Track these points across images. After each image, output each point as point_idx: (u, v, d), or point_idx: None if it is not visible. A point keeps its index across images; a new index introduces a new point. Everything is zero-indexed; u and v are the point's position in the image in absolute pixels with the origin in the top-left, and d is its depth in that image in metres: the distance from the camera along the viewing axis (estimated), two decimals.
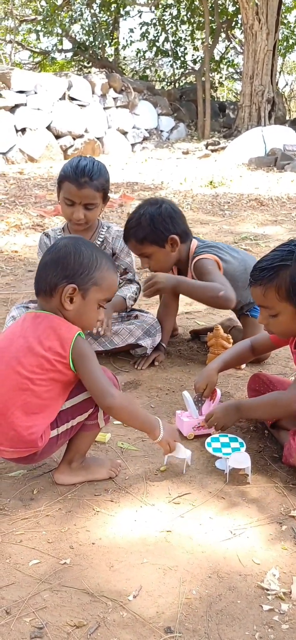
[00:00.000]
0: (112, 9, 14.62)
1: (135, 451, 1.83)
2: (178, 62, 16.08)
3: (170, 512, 1.51)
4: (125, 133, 11.85)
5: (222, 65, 17.09)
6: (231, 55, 17.39)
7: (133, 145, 11.96)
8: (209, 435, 1.85)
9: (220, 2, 14.35)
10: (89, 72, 13.41)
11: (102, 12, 14.92)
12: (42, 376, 1.49)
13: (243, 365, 2.42)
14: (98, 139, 11.08)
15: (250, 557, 1.35)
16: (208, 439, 1.80)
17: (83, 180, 2.31)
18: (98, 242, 2.53)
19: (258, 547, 1.39)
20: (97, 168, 2.36)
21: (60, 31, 14.13)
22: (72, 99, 10.86)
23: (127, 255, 2.59)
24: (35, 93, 10.35)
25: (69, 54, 15.22)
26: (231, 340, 2.39)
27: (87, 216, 2.38)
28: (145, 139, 12.32)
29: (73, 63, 15.41)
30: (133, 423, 1.61)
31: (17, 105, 10.03)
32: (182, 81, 16.06)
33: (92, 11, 14.37)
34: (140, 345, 2.49)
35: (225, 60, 17.17)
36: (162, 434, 1.61)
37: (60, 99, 10.67)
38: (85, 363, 1.51)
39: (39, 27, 13.88)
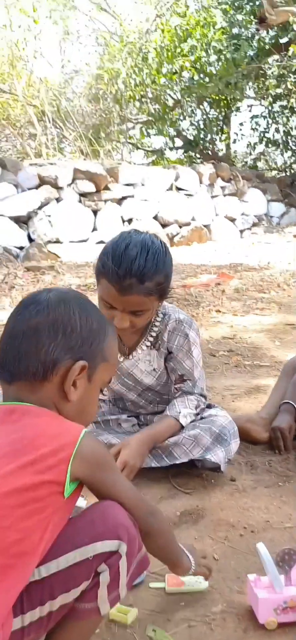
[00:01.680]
0: (222, 106, 14.77)
1: None
2: (289, 151, 15.69)
3: None
4: (233, 220, 11.55)
5: None
6: None
7: (241, 231, 11.59)
8: None
9: None
10: (196, 163, 13.47)
11: (212, 109, 15.14)
12: (17, 513, 0.88)
13: None
14: (205, 226, 10.89)
15: None
16: None
17: (128, 283, 1.67)
18: (152, 338, 1.91)
19: None
20: (152, 261, 1.70)
21: (171, 131, 14.51)
22: (179, 189, 10.83)
23: (186, 356, 1.93)
24: (143, 185, 10.48)
25: (180, 151, 15.53)
26: None
27: (134, 322, 1.77)
28: (254, 225, 11.90)
29: (184, 160, 15.67)
30: (166, 553, 1.19)
31: (124, 197, 10.20)
32: (293, 168, 15.55)
33: (202, 108, 14.61)
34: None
35: None
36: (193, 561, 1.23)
37: (167, 189, 10.69)
38: (107, 471, 1.03)
39: (150, 127, 14.38)
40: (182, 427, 1.92)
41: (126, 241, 1.73)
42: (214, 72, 12.84)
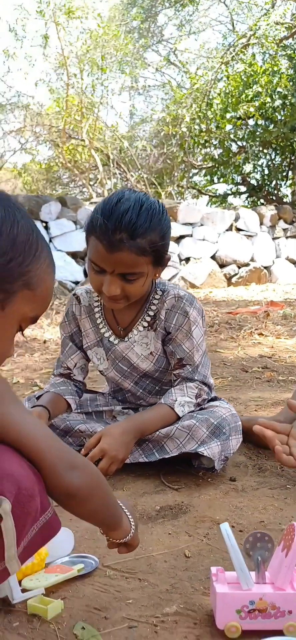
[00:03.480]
0: (287, 151, 14.54)
1: None
2: None
3: None
4: (295, 262, 11.11)
5: None
6: None
7: None
8: (268, 633, 0.81)
9: None
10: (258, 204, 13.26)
11: (277, 155, 14.95)
12: None
13: None
14: (265, 267, 10.54)
15: None
16: None
17: (118, 237, 1.48)
18: (149, 318, 1.69)
19: None
20: (145, 216, 1.51)
21: (235, 177, 14.43)
22: (239, 229, 10.64)
23: (186, 337, 1.67)
24: (201, 225, 10.39)
25: (244, 196, 15.38)
26: None
27: (127, 290, 1.55)
28: None
29: (248, 206, 15.51)
30: (98, 519, 0.93)
31: (182, 236, 10.13)
32: None
33: (267, 153, 14.45)
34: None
35: None
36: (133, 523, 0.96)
37: (226, 230, 10.53)
38: (8, 405, 0.81)
39: (214, 174, 14.38)
40: (179, 417, 1.66)
41: (119, 196, 1.54)
42: (279, 117, 12.71)
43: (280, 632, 0.89)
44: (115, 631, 0.94)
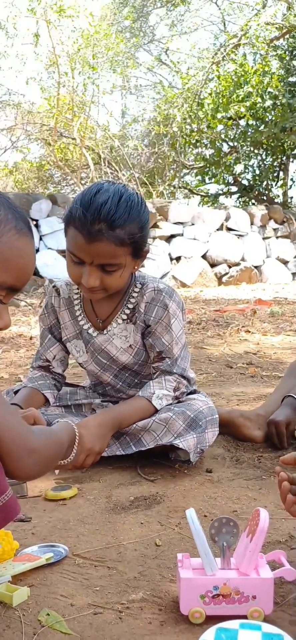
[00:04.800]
0: (278, 152, 14.58)
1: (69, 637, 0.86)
2: None
3: None
4: (285, 262, 11.17)
5: None
6: None
7: (294, 274, 11.16)
8: (232, 618, 0.80)
9: None
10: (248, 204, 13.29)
11: (268, 155, 14.99)
12: None
13: None
14: (255, 267, 10.57)
15: None
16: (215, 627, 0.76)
17: (97, 228, 1.48)
18: (128, 311, 1.69)
19: None
20: (124, 208, 1.52)
21: (226, 177, 14.44)
22: (229, 229, 10.67)
23: (165, 330, 1.67)
24: (192, 225, 10.40)
25: (235, 196, 15.41)
26: None
27: (105, 282, 1.56)
28: None
29: (239, 206, 15.55)
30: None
31: (173, 236, 10.15)
32: None
33: (258, 154, 14.48)
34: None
35: None
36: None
37: (217, 229, 10.55)
38: None
39: (205, 174, 14.39)
40: (156, 410, 1.65)
41: (98, 187, 1.55)
42: (270, 117, 12.75)
43: (244, 617, 0.89)
44: (79, 617, 0.94)
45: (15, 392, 1.79)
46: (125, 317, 1.72)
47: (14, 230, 0.88)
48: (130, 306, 1.71)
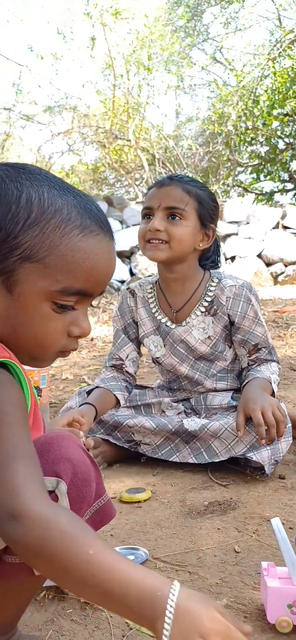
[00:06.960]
0: None
1: None
2: None
3: None
4: None
5: None
6: None
7: None
8: None
9: None
10: None
11: None
12: None
13: None
14: None
15: None
16: None
17: (169, 180, 1.72)
18: (206, 303, 1.71)
19: None
20: (196, 182, 1.77)
21: (282, 174, 14.17)
22: (285, 227, 10.45)
23: (255, 323, 1.72)
24: (248, 223, 10.28)
25: (291, 193, 15.08)
26: None
27: (170, 230, 1.64)
28: None
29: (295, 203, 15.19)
30: (80, 588, 0.63)
31: (228, 235, 10.06)
32: None
33: None
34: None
35: None
36: (171, 620, 0.58)
37: (273, 228, 10.37)
38: None
39: (260, 172, 14.17)
40: (273, 393, 1.66)
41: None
42: None
43: None
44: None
45: (88, 393, 1.85)
46: (203, 309, 1.77)
47: (78, 230, 0.77)
48: (208, 299, 1.76)
